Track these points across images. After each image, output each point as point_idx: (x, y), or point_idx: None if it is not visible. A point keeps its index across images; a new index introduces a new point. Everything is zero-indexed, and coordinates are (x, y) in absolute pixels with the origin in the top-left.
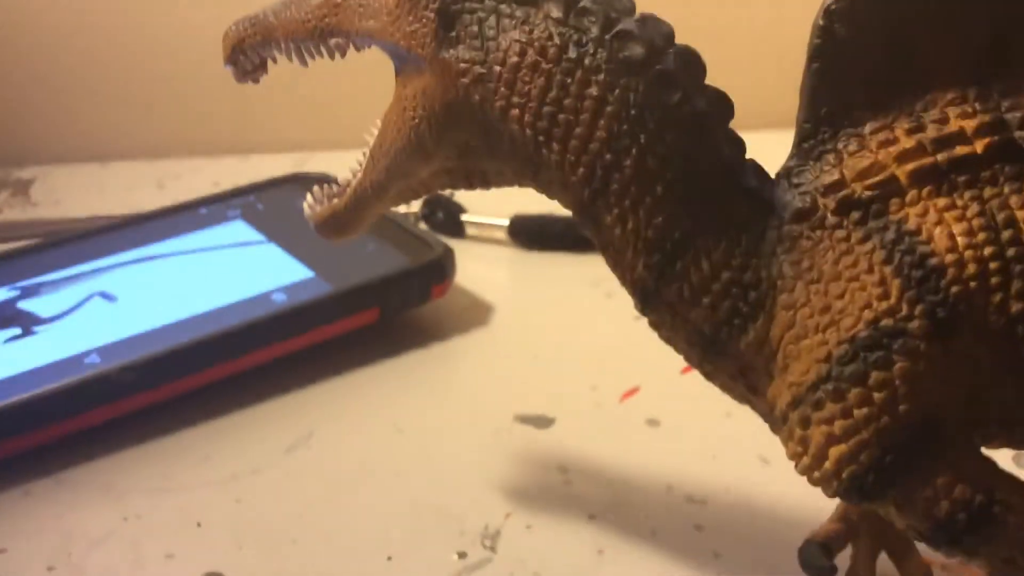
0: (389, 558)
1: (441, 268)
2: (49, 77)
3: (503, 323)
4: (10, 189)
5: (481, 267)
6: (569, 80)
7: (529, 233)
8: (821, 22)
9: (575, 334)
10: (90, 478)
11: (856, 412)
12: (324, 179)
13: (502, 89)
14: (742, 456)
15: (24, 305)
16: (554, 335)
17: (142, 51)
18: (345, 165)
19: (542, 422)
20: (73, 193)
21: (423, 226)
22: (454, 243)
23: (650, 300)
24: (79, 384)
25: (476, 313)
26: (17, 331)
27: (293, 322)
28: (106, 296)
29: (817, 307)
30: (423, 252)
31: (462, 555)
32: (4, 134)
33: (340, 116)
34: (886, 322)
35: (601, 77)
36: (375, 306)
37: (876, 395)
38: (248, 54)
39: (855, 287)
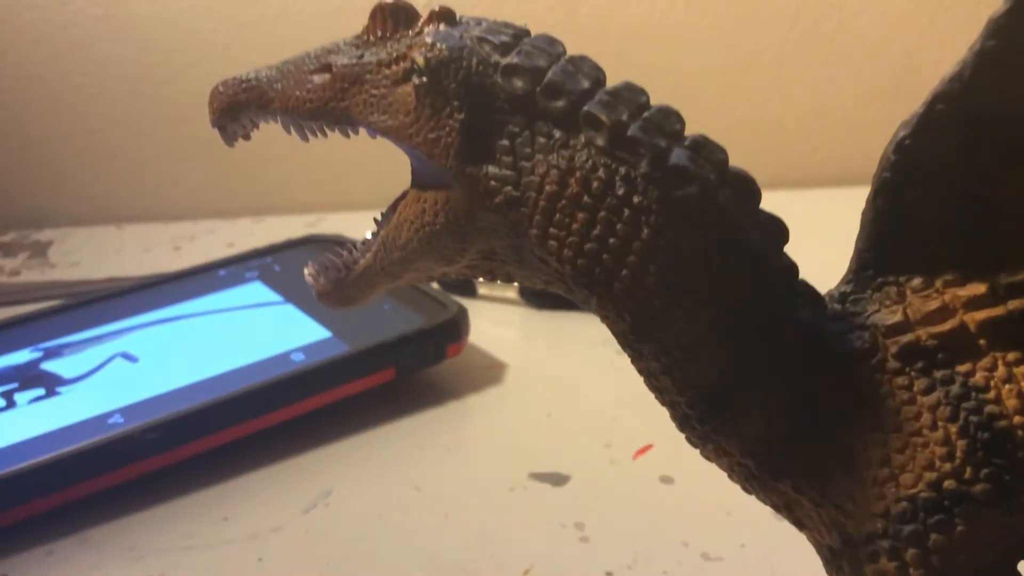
0: None
1: (456, 328)
2: (66, 140)
3: (516, 381)
4: (28, 251)
5: (494, 326)
6: (616, 219)
7: (540, 292)
8: (893, 156)
9: (587, 392)
10: (113, 537)
11: (912, 572)
12: (339, 241)
13: (538, 218)
14: (757, 512)
15: (47, 366)
16: (567, 393)
17: (157, 116)
18: (358, 226)
19: (557, 479)
20: (90, 255)
21: (435, 286)
22: (466, 302)
23: (693, 435)
24: (103, 445)
25: (490, 372)
26: (41, 392)
27: (311, 382)
28: (128, 357)
29: (876, 458)
30: (438, 312)
31: None
32: (22, 196)
33: (353, 178)
34: (949, 484)
35: (652, 219)
36: (391, 366)
37: (934, 558)
38: (240, 120)
39: (918, 442)
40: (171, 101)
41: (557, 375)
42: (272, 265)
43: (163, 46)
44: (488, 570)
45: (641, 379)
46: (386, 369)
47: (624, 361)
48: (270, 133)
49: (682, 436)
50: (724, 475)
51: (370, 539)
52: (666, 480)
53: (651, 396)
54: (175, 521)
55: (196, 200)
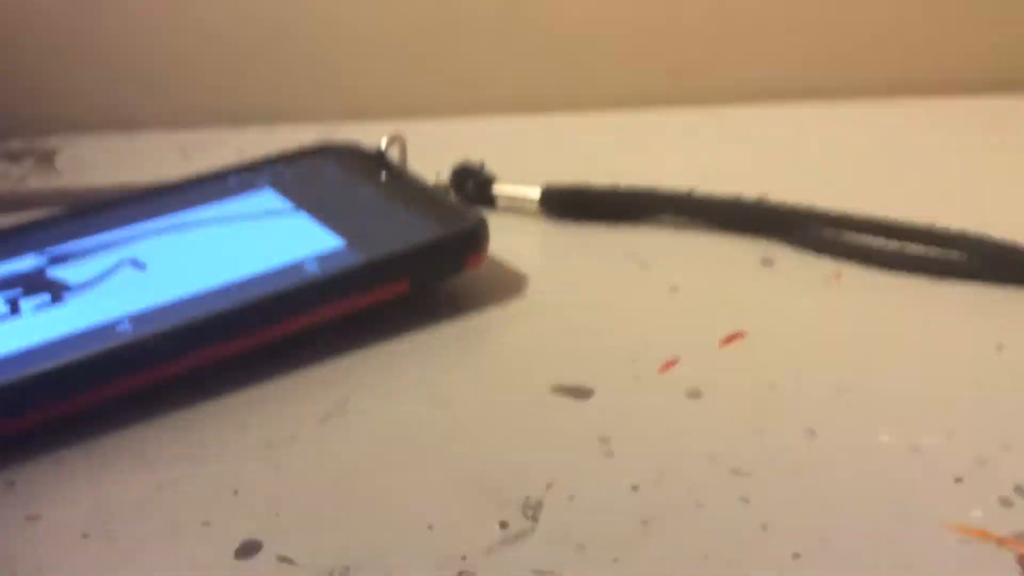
0: (430, 527)
1: (475, 239)
2: (73, 46)
3: (537, 295)
4: (34, 158)
5: (514, 238)
6: None
7: (562, 204)
8: None
9: (611, 306)
10: (123, 446)
11: None
12: (353, 149)
13: None
14: (788, 428)
15: (53, 273)
16: (590, 307)
17: (167, 21)
18: (371, 135)
19: (581, 393)
20: (97, 163)
21: (454, 196)
22: (486, 213)
23: None
24: (111, 352)
25: (510, 284)
26: (47, 298)
27: (325, 291)
28: (136, 264)
29: None
30: (456, 222)
31: (504, 525)
32: (28, 103)
33: (365, 87)
34: None
35: None
36: (407, 277)
37: None
38: None
39: None
40: (182, 6)
41: (580, 289)
42: (284, 173)
43: None
44: (509, 484)
45: (672, 293)
46: (402, 280)
47: (650, 275)
48: (281, 40)
49: (710, 350)
50: (752, 391)
51: (388, 450)
52: (693, 394)
53: (677, 312)
54: (187, 431)
55: (206, 108)
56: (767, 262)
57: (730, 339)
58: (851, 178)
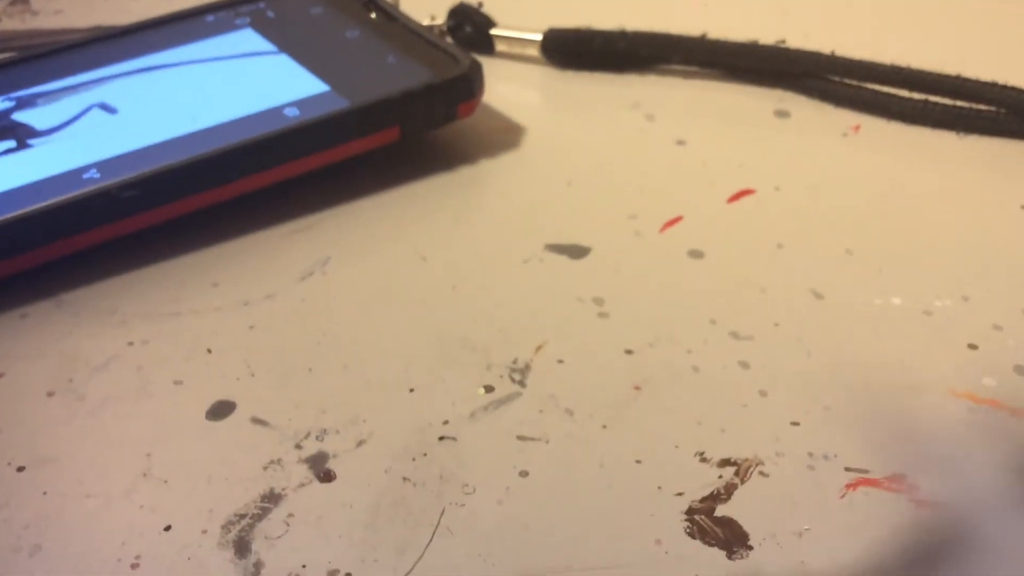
0: (411, 390)
1: (469, 84)
2: None
3: (535, 146)
4: None
5: (512, 86)
6: None
7: (564, 50)
8: None
9: (613, 159)
10: (92, 301)
11: None
12: None
13: None
14: (793, 290)
15: (19, 117)
16: (590, 160)
17: None
18: None
19: (576, 251)
20: (74, 2)
21: (449, 40)
22: (483, 59)
23: None
24: (78, 200)
25: (506, 135)
26: (12, 144)
27: (307, 139)
28: (106, 108)
29: None
30: (449, 67)
31: (489, 389)
32: None
33: None
34: None
35: None
36: (395, 124)
37: None
38: None
39: None
40: None
41: (580, 140)
42: (265, 11)
43: None
44: (498, 344)
45: (678, 146)
46: (390, 128)
47: (655, 127)
48: None
49: (715, 207)
50: (758, 251)
51: (371, 309)
52: (695, 254)
53: (683, 167)
54: (160, 286)
55: None
56: (781, 113)
57: (737, 196)
58: (874, 26)
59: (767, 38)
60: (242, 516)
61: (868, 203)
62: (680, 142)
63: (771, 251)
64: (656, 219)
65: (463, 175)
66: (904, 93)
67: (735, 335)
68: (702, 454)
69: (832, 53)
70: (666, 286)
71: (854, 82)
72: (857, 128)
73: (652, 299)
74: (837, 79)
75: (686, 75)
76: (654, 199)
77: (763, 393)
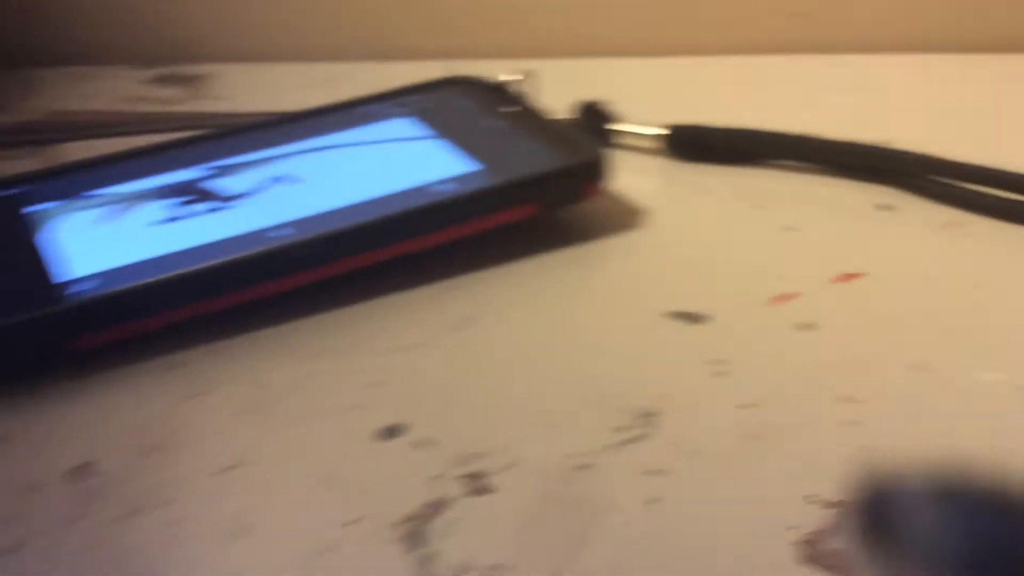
0: (553, 426)
1: (596, 168)
2: None
3: (655, 227)
4: (186, 83)
5: (635, 174)
6: None
7: (682, 143)
8: None
9: (727, 241)
10: (278, 339)
11: None
12: (483, 83)
13: None
14: (900, 361)
15: (216, 183)
16: (705, 240)
17: None
18: (500, 72)
19: (695, 319)
20: (245, 90)
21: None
22: (608, 150)
23: None
24: (268, 253)
25: (629, 216)
26: (211, 204)
27: (460, 210)
28: (289, 179)
29: None
30: (580, 153)
31: (620, 429)
32: (182, 31)
33: (495, 26)
34: None
35: None
36: (534, 201)
37: None
38: None
39: None
40: None
41: (697, 223)
42: (422, 101)
43: None
44: (626, 395)
45: (787, 232)
46: (530, 204)
47: (766, 215)
48: None
49: (823, 287)
50: (865, 326)
51: (512, 359)
52: (806, 327)
53: (792, 250)
54: (333, 329)
55: (346, 42)
56: (885, 207)
57: (844, 277)
58: (972, 128)
59: (871, 138)
60: (413, 517)
61: (968, 290)
62: (790, 228)
63: (878, 327)
64: (768, 294)
65: (590, 249)
66: (1003, 193)
67: (843, 399)
68: (811, 496)
69: (933, 154)
70: (778, 352)
71: (955, 181)
72: (957, 224)
73: (765, 363)
74: (938, 178)
75: (796, 170)
76: (766, 276)
77: (867, 449)
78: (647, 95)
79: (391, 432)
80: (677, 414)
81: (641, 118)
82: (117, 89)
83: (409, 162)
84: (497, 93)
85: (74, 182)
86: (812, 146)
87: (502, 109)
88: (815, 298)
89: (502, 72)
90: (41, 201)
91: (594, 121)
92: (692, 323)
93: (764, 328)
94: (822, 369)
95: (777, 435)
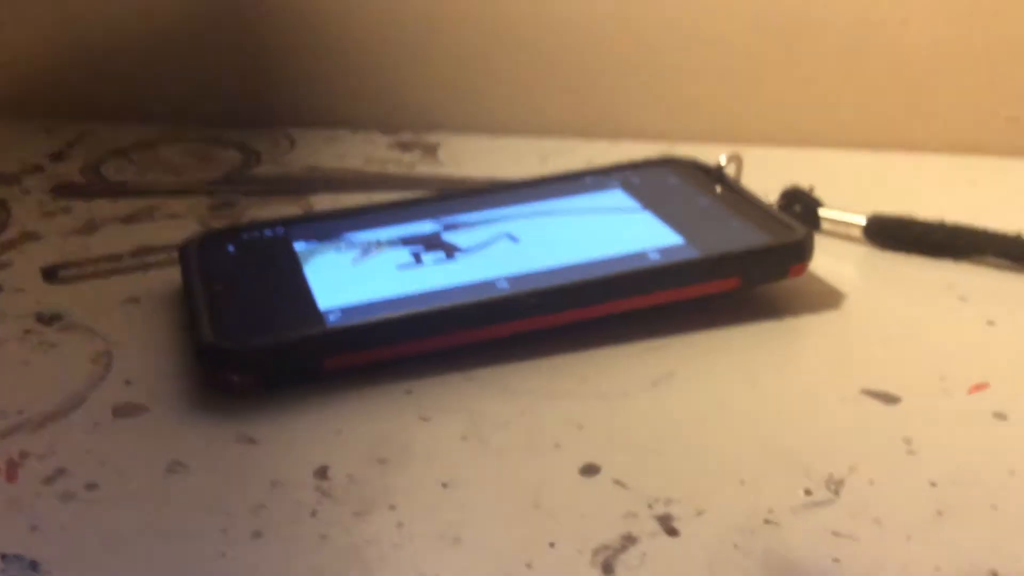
0: (742, 482)
1: (801, 249)
2: (458, 57)
3: (853, 309)
4: (421, 149)
5: (835, 259)
6: None
7: (885, 233)
8: None
9: (925, 328)
10: (494, 379)
11: None
12: (694, 164)
13: None
14: None
15: (448, 237)
16: (903, 326)
17: (535, 44)
18: (707, 155)
19: (888, 399)
20: (471, 158)
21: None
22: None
23: None
24: (490, 302)
25: (828, 298)
26: (442, 255)
27: (665, 278)
28: (511, 237)
29: None
30: (785, 233)
31: (808, 492)
32: (419, 103)
33: (706, 111)
34: None
35: None
36: (736, 275)
37: None
38: None
39: None
40: (547, 27)
41: (894, 309)
42: (632, 177)
43: None
44: (815, 460)
45: (983, 325)
46: (732, 277)
47: (966, 307)
48: (627, 62)
49: (1021, 380)
50: None
51: (708, 415)
52: (1000, 416)
53: (992, 342)
54: (543, 374)
55: (561, 120)
56: None
57: None
58: None
59: None
60: (606, 547)
61: None
62: (990, 322)
63: None
64: (964, 382)
65: (789, 324)
66: None
67: None
68: (995, 572)
69: None
70: (970, 437)
71: None
72: None
73: (957, 446)
74: None
75: (999, 267)
76: (963, 365)
77: None
78: (852, 185)
79: (590, 470)
80: (865, 484)
81: (844, 207)
82: (365, 151)
83: (618, 231)
84: (707, 174)
85: (334, 226)
86: (1017, 246)
87: (712, 189)
88: (1011, 390)
89: (713, 155)
90: (309, 240)
91: (799, 205)
92: (886, 403)
93: (957, 413)
94: (1013, 457)
95: (965, 513)
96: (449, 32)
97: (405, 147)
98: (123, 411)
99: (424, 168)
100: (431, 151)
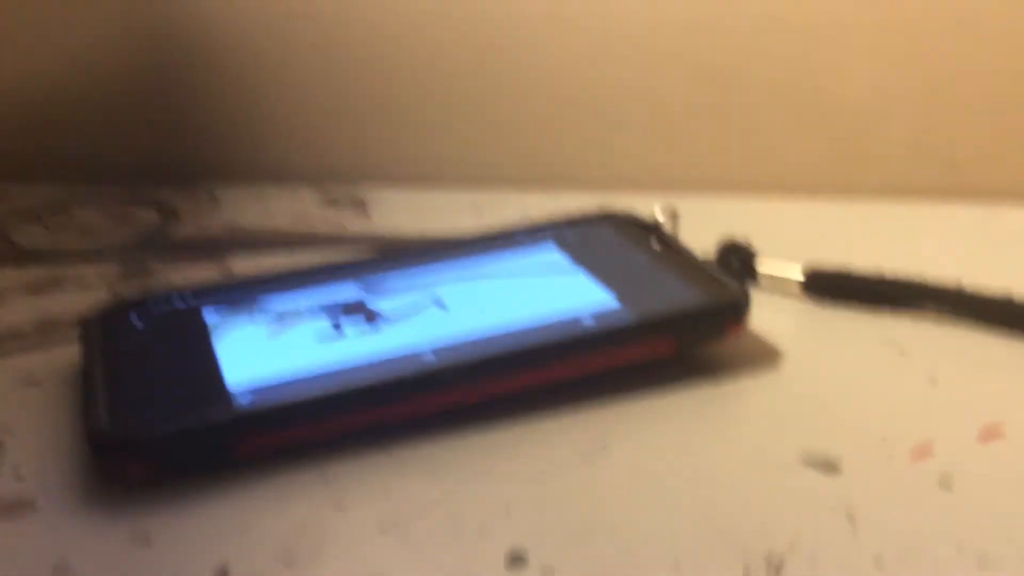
0: (677, 566)
1: (737, 309)
2: (390, 108)
3: (792, 369)
4: (351, 206)
5: (773, 314)
6: None
7: (823, 286)
8: None
9: (866, 387)
10: (417, 458)
11: None
12: (631, 219)
13: None
14: None
15: (371, 303)
16: (844, 386)
17: (463, 95)
18: (641, 205)
19: (829, 467)
20: (403, 212)
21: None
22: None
23: None
24: (415, 376)
25: (766, 357)
26: (365, 325)
27: (598, 343)
28: (438, 303)
29: None
30: (721, 292)
31: (746, 572)
32: (348, 156)
33: (640, 159)
34: None
35: None
36: (672, 338)
37: None
38: None
39: None
40: (485, 79)
41: (834, 368)
42: (566, 233)
43: (482, 22)
44: (753, 538)
45: (925, 382)
46: (667, 340)
47: (907, 363)
48: (564, 112)
49: (964, 439)
50: (1008, 484)
51: (642, 492)
52: (944, 484)
53: (934, 400)
54: (468, 452)
55: (496, 171)
56: None
57: (988, 435)
58: None
59: (1021, 293)
60: None
61: None
62: (932, 379)
63: (1019, 488)
64: (906, 446)
65: (726, 388)
66: None
67: (981, 561)
68: None
69: None
70: (915, 508)
71: None
72: None
73: (901, 518)
74: None
75: (940, 319)
76: (905, 427)
77: None
78: (789, 236)
79: (518, 558)
80: (807, 563)
81: (782, 258)
82: (292, 208)
83: (551, 293)
84: (640, 228)
85: (249, 294)
86: (957, 296)
87: (648, 245)
88: (956, 454)
89: (648, 205)
90: (222, 310)
91: (737, 260)
92: (826, 472)
93: (901, 481)
94: (960, 529)
95: None
96: (380, 83)
97: (334, 203)
98: (10, 509)
99: (354, 225)
100: (362, 206)
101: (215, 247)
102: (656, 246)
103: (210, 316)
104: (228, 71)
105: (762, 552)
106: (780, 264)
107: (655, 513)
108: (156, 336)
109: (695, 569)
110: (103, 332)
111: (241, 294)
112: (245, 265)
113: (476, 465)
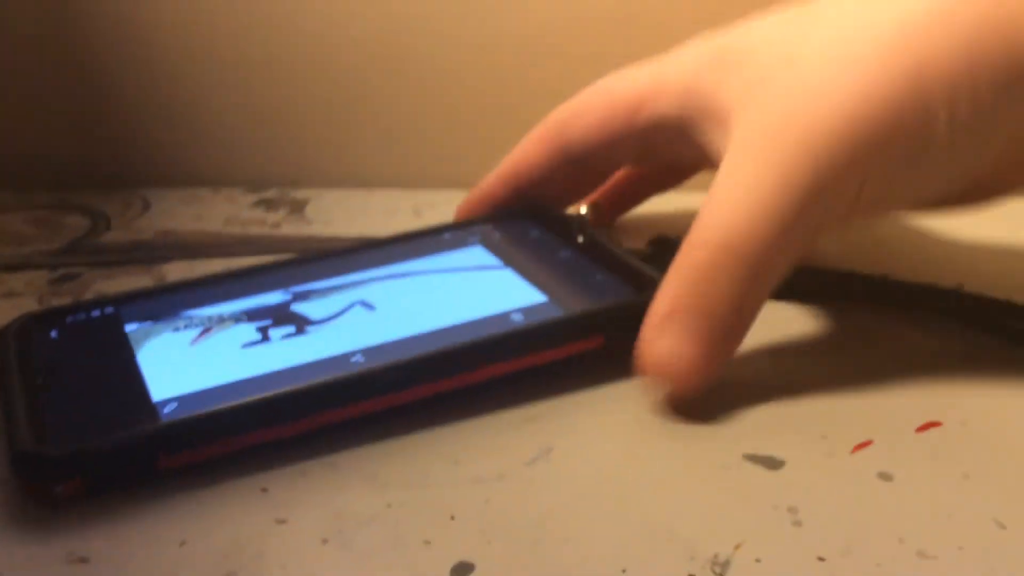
0: (624, 571)
1: None
2: (328, 108)
3: (730, 364)
4: (288, 208)
5: None
6: None
7: None
8: None
9: (807, 383)
10: (357, 466)
11: None
12: (557, 214)
13: None
14: (977, 518)
15: (297, 308)
16: (786, 382)
17: (403, 94)
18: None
19: (772, 463)
20: (340, 215)
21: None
22: None
23: None
24: (345, 380)
25: None
26: (292, 330)
27: (529, 340)
28: (366, 305)
29: None
30: (649, 287)
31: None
32: (285, 158)
33: None
34: None
35: None
36: (601, 334)
37: None
38: None
39: None
40: (418, 79)
41: (775, 364)
42: (492, 232)
43: (417, 21)
44: (699, 539)
45: (863, 376)
46: (596, 336)
47: (847, 358)
48: (502, 110)
49: (903, 435)
50: (945, 478)
51: (587, 495)
52: (884, 477)
53: (873, 394)
54: (412, 457)
55: (435, 171)
56: (970, 354)
57: (926, 427)
58: None
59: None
60: None
61: None
62: (872, 373)
63: (957, 480)
64: (847, 441)
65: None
66: None
67: (921, 554)
68: None
69: (1015, 300)
70: (856, 502)
71: None
72: None
73: (843, 513)
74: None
75: (874, 311)
76: (846, 422)
77: None
78: None
79: (464, 568)
80: (752, 563)
81: None
82: (226, 212)
83: (478, 292)
84: (567, 224)
85: (172, 302)
86: (885, 287)
87: (573, 240)
88: (895, 447)
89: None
90: (143, 319)
91: (666, 255)
92: (769, 468)
93: (842, 476)
94: (900, 522)
95: None
96: (316, 81)
97: (270, 205)
98: None
99: (290, 228)
100: (298, 209)
101: (148, 252)
102: (581, 241)
103: (131, 326)
104: (159, 72)
105: (708, 554)
106: None
107: (600, 516)
108: (75, 349)
109: (644, 569)
110: (18, 346)
111: (162, 303)
112: (178, 271)
113: (419, 471)
